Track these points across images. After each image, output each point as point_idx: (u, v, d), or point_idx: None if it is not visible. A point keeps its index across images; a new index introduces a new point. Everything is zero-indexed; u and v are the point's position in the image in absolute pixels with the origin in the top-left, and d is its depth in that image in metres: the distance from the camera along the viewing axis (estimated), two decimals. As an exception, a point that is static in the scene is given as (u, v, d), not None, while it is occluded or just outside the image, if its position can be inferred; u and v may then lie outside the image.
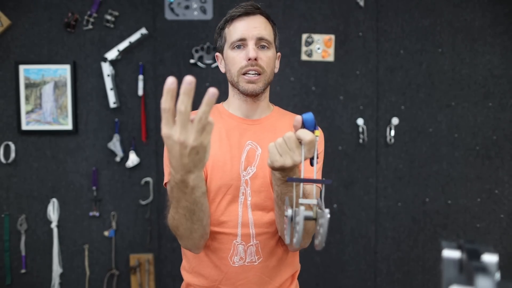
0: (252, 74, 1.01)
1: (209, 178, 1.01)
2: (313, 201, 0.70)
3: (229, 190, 1.01)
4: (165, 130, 0.65)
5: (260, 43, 1.01)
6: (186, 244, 0.97)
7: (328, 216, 0.63)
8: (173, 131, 0.65)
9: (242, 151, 1.03)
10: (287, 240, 0.72)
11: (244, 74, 1.01)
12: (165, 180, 1.01)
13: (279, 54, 1.11)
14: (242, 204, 1.01)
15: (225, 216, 1.01)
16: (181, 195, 0.80)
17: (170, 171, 0.76)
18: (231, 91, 1.10)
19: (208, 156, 0.71)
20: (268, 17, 1.05)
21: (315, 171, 0.77)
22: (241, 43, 1.01)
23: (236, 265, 1.01)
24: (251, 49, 0.99)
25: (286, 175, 0.83)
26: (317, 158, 0.79)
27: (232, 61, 1.02)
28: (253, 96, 1.04)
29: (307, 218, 0.68)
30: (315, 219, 0.68)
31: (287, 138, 0.78)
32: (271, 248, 1.03)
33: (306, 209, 0.69)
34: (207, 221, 0.93)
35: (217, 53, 1.10)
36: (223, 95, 1.21)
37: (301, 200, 0.71)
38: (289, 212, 0.71)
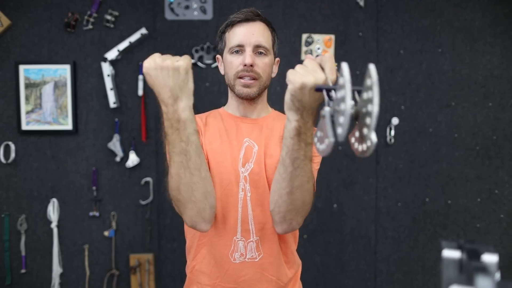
0: (248, 78, 1.04)
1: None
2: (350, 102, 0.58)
3: (228, 186, 1.03)
4: (146, 64, 0.83)
5: (258, 50, 1.04)
6: (191, 215, 0.90)
7: (376, 107, 0.53)
8: (152, 60, 0.83)
9: (240, 148, 1.05)
10: (320, 146, 0.64)
11: (240, 78, 1.04)
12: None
13: (277, 59, 1.14)
14: (242, 200, 1.03)
15: (225, 212, 1.03)
16: (175, 135, 0.85)
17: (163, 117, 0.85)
18: (230, 92, 1.13)
19: (191, 84, 0.86)
20: (268, 24, 1.09)
21: (350, 83, 0.58)
22: (239, 49, 1.05)
23: (237, 262, 1.03)
24: (247, 56, 1.02)
25: (302, 120, 0.78)
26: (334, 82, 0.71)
27: (229, 65, 1.06)
28: (248, 99, 1.07)
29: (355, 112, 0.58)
30: (356, 118, 0.59)
31: (308, 60, 0.79)
32: (271, 244, 1.04)
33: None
34: (206, 174, 0.89)
35: (218, 55, 1.15)
36: (223, 95, 1.21)
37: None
38: (326, 109, 0.63)
